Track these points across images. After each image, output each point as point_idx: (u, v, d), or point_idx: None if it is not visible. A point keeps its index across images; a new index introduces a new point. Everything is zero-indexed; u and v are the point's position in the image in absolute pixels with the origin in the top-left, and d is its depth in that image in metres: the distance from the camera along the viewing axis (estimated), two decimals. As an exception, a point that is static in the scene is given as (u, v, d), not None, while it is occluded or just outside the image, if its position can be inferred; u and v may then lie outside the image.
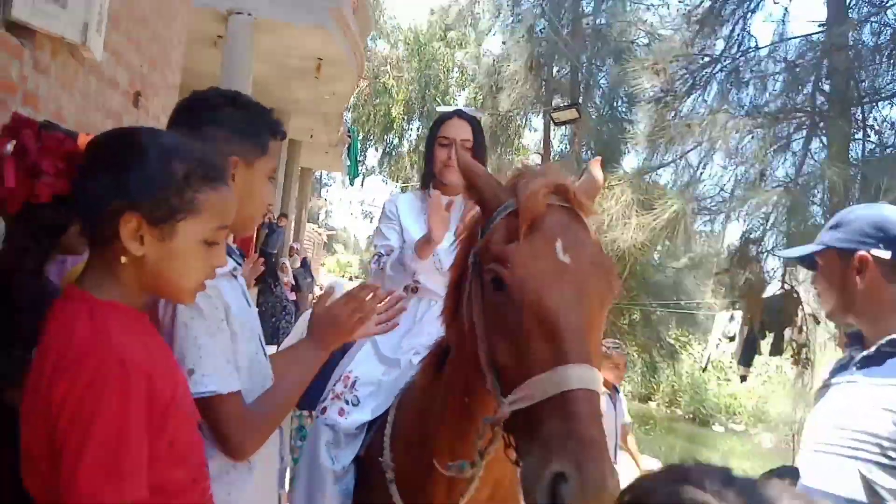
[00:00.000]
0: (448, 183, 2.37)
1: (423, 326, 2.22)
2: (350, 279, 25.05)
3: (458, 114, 2.43)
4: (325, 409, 2.09)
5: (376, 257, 2.39)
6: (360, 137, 20.55)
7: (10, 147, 1.17)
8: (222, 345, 1.34)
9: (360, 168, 18.31)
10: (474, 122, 2.40)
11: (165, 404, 1.03)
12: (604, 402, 4.30)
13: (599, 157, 1.66)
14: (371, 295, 1.57)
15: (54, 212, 1.17)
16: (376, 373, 2.12)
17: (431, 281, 2.30)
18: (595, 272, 1.30)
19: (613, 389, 4.49)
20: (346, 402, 2.07)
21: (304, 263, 14.42)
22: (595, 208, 1.43)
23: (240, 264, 1.58)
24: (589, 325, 1.24)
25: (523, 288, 1.25)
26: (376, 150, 24.28)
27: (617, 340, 5.02)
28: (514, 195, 1.36)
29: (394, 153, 23.61)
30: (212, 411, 1.26)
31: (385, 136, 23.00)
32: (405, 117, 21.22)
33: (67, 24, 2.81)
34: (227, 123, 1.42)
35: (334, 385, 2.13)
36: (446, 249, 2.26)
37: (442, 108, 2.53)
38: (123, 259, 1.07)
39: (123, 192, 1.05)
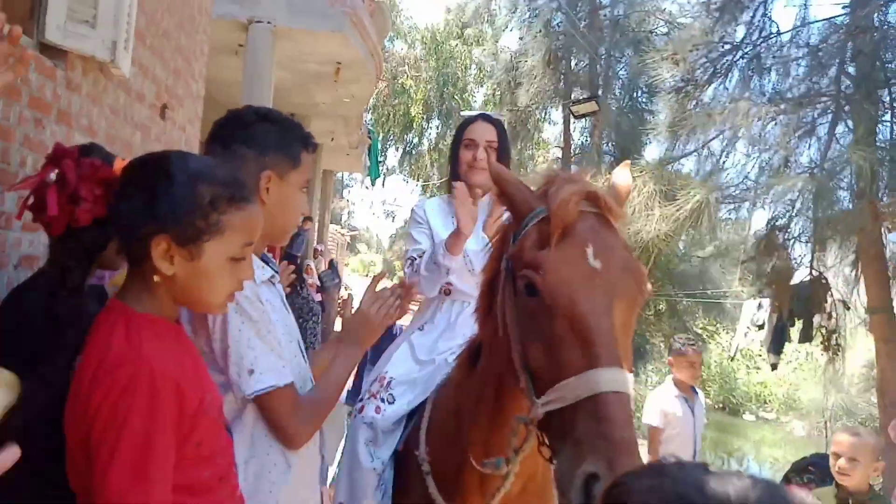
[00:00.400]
0: (474, 184, 2.40)
1: (457, 328, 2.28)
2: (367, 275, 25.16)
3: (483, 117, 2.48)
4: (362, 408, 2.15)
5: (409, 261, 2.42)
6: (380, 138, 20.66)
7: (52, 176, 1.28)
8: (272, 344, 1.44)
9: (380, 168, 18.42)
10: (499, 125, 2.45)
11: (194, 410, 1.12)
12: (678, 405, 4.18)
13: (628, 161, 1.69)
14: (393, 295, 1.70)
15: (94, 233, 1.29)
16: (412, 373, 2.18)
17: (463, 282, 2.34)
18: (625, 276, 1.34)
19: (691, 391, 4.24)
20: (382, 401, 2.13)
21: (332, 265, 14.55)
22: (625, 213, 1.47)
23: (277, 272, 1.67)
24: (619, 329, 1.28)
25: (555, 293, 1.29)
26: (396, 149, 24.40)
27: (691, 337, 4.85)
28: (546, 202, 1.40)
29: (414, 152, 23.68)
30: (272, 404, 1.38)
31: (405, 136, 23.08)
32: (424, 116, 21.29)
33: (97, 44, 2.90)
34: (260, 140, 1.51)
35: (370, 385, 2.20)
36: (476, 252, 2.31)
37: (466, 113, 2.61)
38: (156, 278, 1.16)
39: (154, 216, 1.14)
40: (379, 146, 18.31)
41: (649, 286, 1.40)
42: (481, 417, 1.65)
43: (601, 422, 1.16)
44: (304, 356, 1.62)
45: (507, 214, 1.57)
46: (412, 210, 2.57)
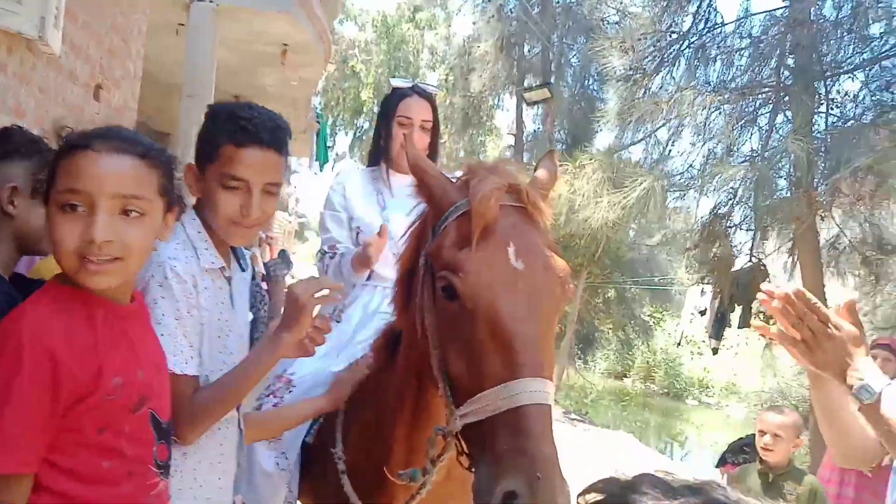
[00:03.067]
0: (404, 167, 2.29)
1: (376, 318, 2.14)
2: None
3: (417, 91, 2.30)
4: (259, 408, 2.02)
5: (320, 255, 2.29)
6: (330, 123, 20.32)
7: None
8: (187, 329, 1.38)
9: (330, 153, 18.12)
10: (433, 100, 2.30)
11: (83, 389, 1.08)
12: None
13: (554, 150, 1.63)
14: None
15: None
16: (319, 375, 2.02)
17: (385, 268, 2.18)
18: (548, 277, 1.28)
19: None
20: (281, 398, 2.00)
21: (283, 254, 14.28)
22: (550, 207, 1.40)
23: (244, 268, 1.63)
24: (543, 334, 1.23)
25: (475, 298, 1.22)
26: (346, 134, 24.07)
27: None
28: (467, 195, 1.32)
29: (364, 137, 23.42)
30: (171, 388, 1.32)
31: (355, 121, 22.78)
32: (375, 101, 21.01)
33: (24, 20, 2.74)
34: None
35: (270, 384, 2.06)
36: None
37: (397, 82, 2.40)
38: None
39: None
40: (328, 131, 18.01)
41: (571, 285, 1.34)
42: (403, 415, 1.57)
43: (521, 436, 1.11)
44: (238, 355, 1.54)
45: (423, 205, 1.48)
46: (329, 192, 2.36)
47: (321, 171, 16.18)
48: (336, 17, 14.33)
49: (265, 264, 12.27)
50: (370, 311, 2.20)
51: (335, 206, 2.30)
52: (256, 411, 1.86)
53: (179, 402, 1.33)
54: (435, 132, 2.30)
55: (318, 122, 14.33)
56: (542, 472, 1.08)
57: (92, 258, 1.10)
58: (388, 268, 2.18)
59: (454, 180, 1.43)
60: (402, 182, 2.30)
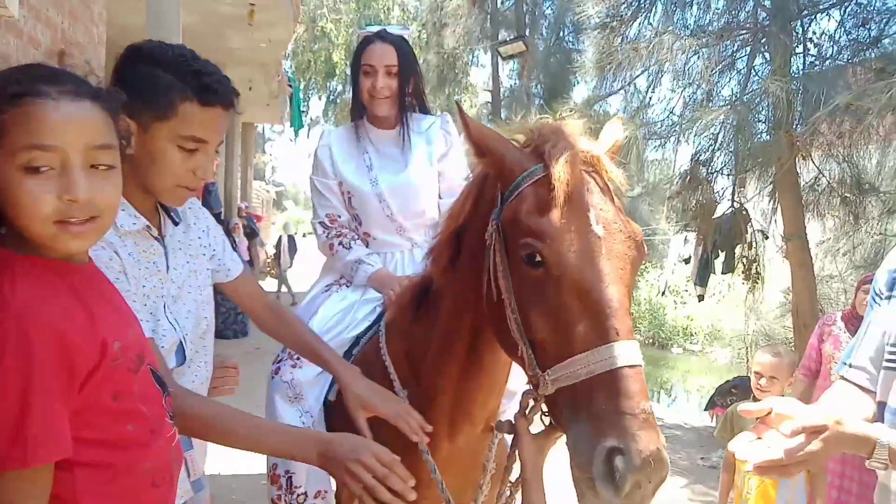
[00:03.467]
0: (379, 115, 2.23)
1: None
2: (304, 236, 24.66)
3: (381, 35, 2.23)
4: (278, 370, 2.05)
5: (322, 227, 2.24)
6: (302, 87, 19.89)
7: None
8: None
9: (304, 119, 17.78)
10: (399, 42, 2.22)
11: (95, 361, 1.01)
12: None
13: (620, 116, 1.64)
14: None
15: None
16: (334, 337, 2.05)
17: (385, 232, 2.23)
18: (627, 242, 1.31)
19: None
20: (300, 365, 2.02)
21: (292, 241, 14.20)
22: (621, 172, 1.41)
23: (176, 222, 1.55)
24: (626, 298, 1.26)
25: (564, 265, 1.25)
26: (319, 98, 23.60)
27: None
28: (541, 160, 1.34)
29: (338, 101, 22.99)
30: None
31: (328, 84, 22.31)
32: (347, 62, 20.58)
33: (-25, -22, 2.59)
34: (129, 82, 1.32)
35: (286, 348, 2.05)
36: (396, 188, 2.19)
37: (364, 31, 2.33)
38: None
39: None
40: (301, 95, 17.65)
41: (645, 248, 1.37)
42: (449, 369, 1.62)
43: (620, 397, 1.15)
44: (172, 322, 1.50)
45: (479, 170, 1.50)
46: (316, 152, 2.30)
47: (296, 136, 15.90)
48: (302, -24, 13.91)
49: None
50: None
51: (327, 173, 2.25)
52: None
53: None
54: (405, 75, 2.21)
55: (291, 86, 14.02)
56: (644, 427, 1.12)
57: (73, 220, 1.01)
58: (388, 233, 2.23)
59: (517, 145, 1.43)
60: (382, 137, 2.27)
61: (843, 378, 1.59)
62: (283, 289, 14.40)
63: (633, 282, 1.32)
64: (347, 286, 2.21)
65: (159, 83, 1.35)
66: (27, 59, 3.51)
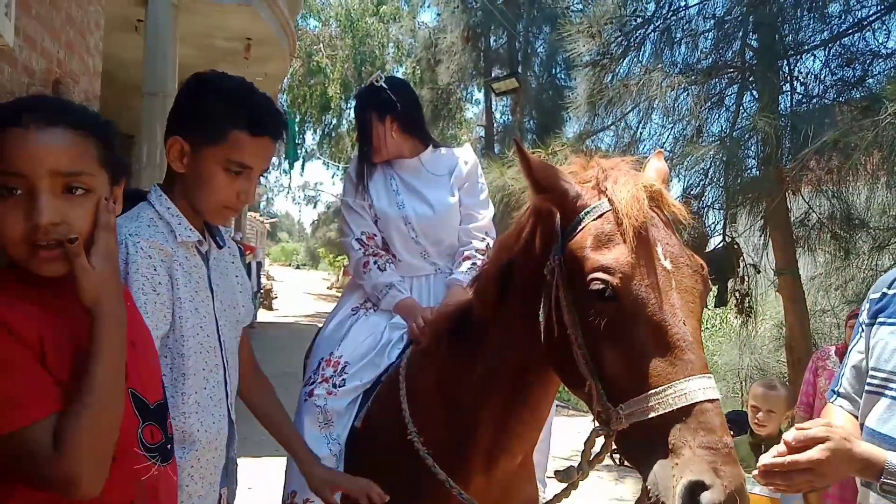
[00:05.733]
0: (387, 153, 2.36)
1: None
2: (297, 267, 24.62)
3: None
4: (311, 392, 2.07)
5: (358, 244, 2.28)
6: (297, 120, 20.07)
7: None
8: (153, 305, 1.37)
9: (298, 151, 17.88)
10: (379, 91, 2.37)
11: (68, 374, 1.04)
12: None
13: (661, 151, 1.68)
14: None
15: None
16: (367, 356, 2.11)
17: (411, 256, 2.27)
18: (694, 276, 1.32)
19: None
20: (335, 386, 2.06)
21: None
22: (683, 206, 1.43)
23: (221, 245, 1.62)
24: (698, 331, 1.26)
25: (636, 300, 1.25)
26: (314, 132, 23.78)
27: None
28: (603, 196, 1.36)
29: (333, 134, 23.18)
30: None
31: (322, 117, 22.50)
32: (342, 96, 20.80)
33: (-29, 8, 2.61)
34: (187, 107, 1.50)
35: (321, 369, 2.10)
36: (422, 217, 2.25)
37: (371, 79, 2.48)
38: None
39: None
40: (296, 128, 17.79)
41: (710, 282, 1.38)
42: (492, 403, 1.63)
43: (702, 431, 1.14)
44: (219, 339, 1.55)
45: (533, 204, 1.52)
46: (348, 177, 2.40)
47: (291, 168, 15.98)
48: (298, 12, 14.15)
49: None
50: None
51: (351, 192, 2.34)
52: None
53: None
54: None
55: (286, 119, 14.12)
56: (728, 463, 1.12)
57: (41, 244, 1.04)
58: (414, 256, 2.27)
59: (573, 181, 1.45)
60: (406, 164, 2.35)
61: (833, 405, 1.63)
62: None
63: (701, 314, 1.32)
64: (374, 310, 2.24)
65: (215, 111, 1.47)
66: (20, 88, 3.53)
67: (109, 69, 5.51)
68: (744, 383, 8.43)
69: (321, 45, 20.47)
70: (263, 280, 16.81)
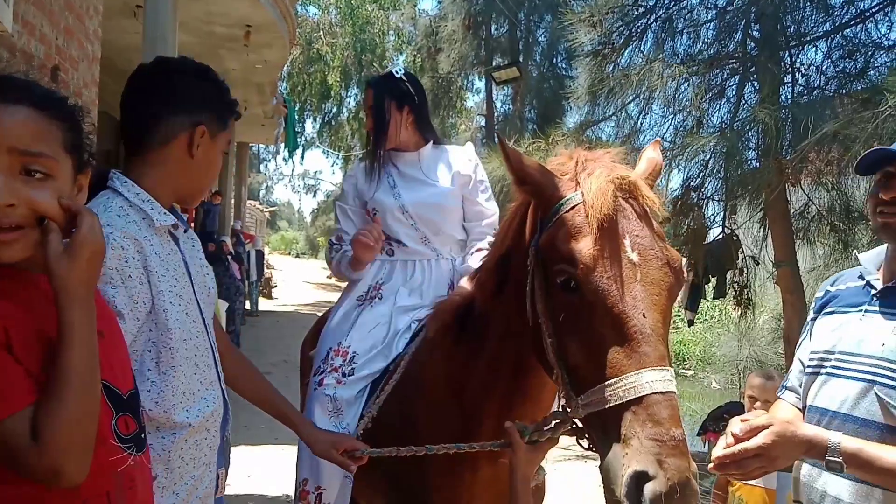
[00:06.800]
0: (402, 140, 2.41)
1: (422, 291, 2.25)
2: (297, 256, 24.59)
3: (367, 81, 2.53)
4: (321, 381, 2.10)
5: (329, 245, 2.42)
6: (297, 108, 19.98)
7: None
8: (122, 298, 1.33)
9: (298, 139, 17.83)
10: (377, 86, 2.43)
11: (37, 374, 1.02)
12: None
13: (658, 140, 1.69)
14: None
15: None
16: (376, 346, 2.15)
17: (413, 241, 2.32)
18: (663, 268, 1.31)
19: None
20: (344, 375, 2.09)
21: (240, 242, 14.13)
22: (658, 198, 1.43)
23: (185, 227, 1.58)
24: (661, 325, 1.26)
25: (597, 291, 1.26)
26: (314, 120, 23.69)
27: None
28: (577, 188, 1.37)
29: (333, 122, 23.09)
30: None
31: (322, 105, 22.40)
32: (342, 84, 20.70)
33: (-31, -7, 2.60)
34: (198, 94, 1.52)
35: (330, 359, 2.14)
36: (418, 203, 2.29)
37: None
38: None
39: None
40: (296, 116, 17.73)
41: (685, 272, 1.40)
42: (495, 392, 1.66)
43: (650, 423, 1.16)
44: (203, 319, 1.54)
45: (521, 198, 1.55)
46: (343, 184, 2.53)
47: (290, 157, 15.95)
48: (298, 0, 14.08)
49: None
50: (416, 286, 2.28)
51: (347, 198, 2.41)
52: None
53: None
54: (378, 115, 2.37)
55: (286, 107, 14.09)
56: (672, 454, 1.13)
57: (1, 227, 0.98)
58: (412, 239, 2.32)
59: (555, 173, 1.47)
60: (404, 158, 2.40)
61: (781, 399, 1.70)
62: (247, 304, 14.34)
63: (669, 308, 1.31)
64: (379, 299, 2.29)
65: (223, 100, 1.56)
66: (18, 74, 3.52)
67: (108, 55, 5.49)
68: (742, 374, 8.46)
69: (321, 32, 20.36)
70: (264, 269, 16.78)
